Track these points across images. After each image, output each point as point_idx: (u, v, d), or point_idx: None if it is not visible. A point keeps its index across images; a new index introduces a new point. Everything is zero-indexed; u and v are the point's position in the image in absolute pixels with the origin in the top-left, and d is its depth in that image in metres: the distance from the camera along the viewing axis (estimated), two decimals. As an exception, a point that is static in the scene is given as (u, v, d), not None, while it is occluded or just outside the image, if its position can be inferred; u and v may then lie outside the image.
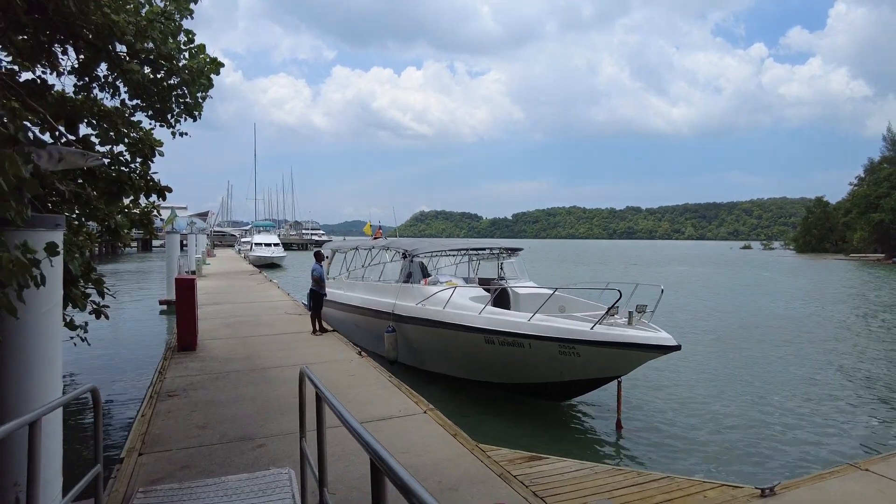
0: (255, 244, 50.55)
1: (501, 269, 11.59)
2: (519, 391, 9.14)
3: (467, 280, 11.16)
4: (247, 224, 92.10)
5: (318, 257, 12.76)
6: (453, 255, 12.06)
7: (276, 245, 51.14)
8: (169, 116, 8.48)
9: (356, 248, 14.57)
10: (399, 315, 10.64)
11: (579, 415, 9.10)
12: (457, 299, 9.36)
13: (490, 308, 8.79)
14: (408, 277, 11.18)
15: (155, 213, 9.11)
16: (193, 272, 30.27)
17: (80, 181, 7.10)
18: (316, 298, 12.38)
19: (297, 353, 10.31)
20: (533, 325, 7.96)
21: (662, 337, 7.17)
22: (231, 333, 12.50)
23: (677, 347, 7.07)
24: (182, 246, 26.99)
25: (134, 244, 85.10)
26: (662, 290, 8.38)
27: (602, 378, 7.98)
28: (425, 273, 11.73)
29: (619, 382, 7.91)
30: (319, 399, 3.13)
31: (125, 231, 8.55)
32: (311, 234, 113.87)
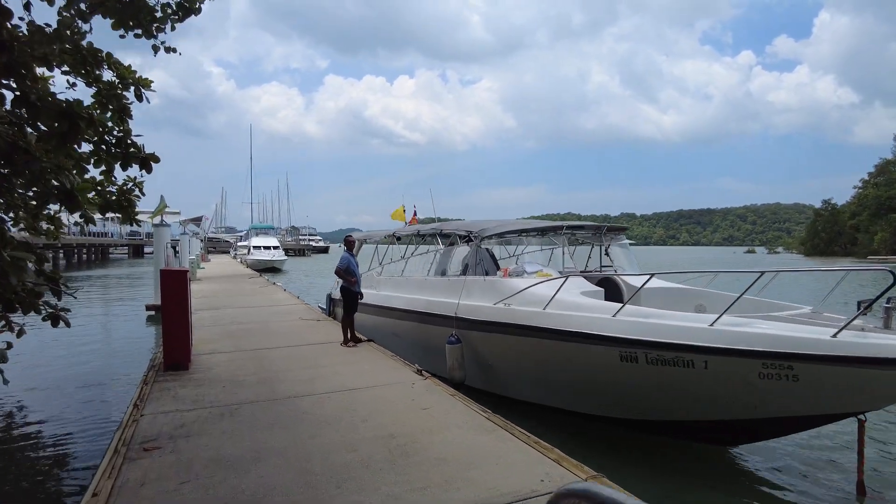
0: (254, 247, 47.42)
1: (606, 254, 8.69)
2: (656, 430, 6.27)
3: (562, 272, 8.22)
4: (241, 231, 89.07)
5: (349, 244, 9.81)
6: (536, 237, 8.96)
7: (275, 248, 48.04)
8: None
9: (392, 237, 11.63)
10: (467, 320, 7.76)
11: (776, 470, 6.14)
12: (567, 296, 6.50)
13: (634, 308, 5.88)
14: (475, 268, 8.30)
15: (137, 192, 6.43)
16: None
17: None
18: (348, 298, 9.47)
19: (332, 374, 7.40)
20: (717, 333, 5.11)
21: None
22: (235, 345, 9.57)
23: None
24: (175, 252, 24.04)
25: (124, 249, 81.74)
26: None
27: (829, 415, 5.13)
28: (496, 263, 8.83)
29: (862, 421, 5.05)
30: None
31: (91, 203, 5.94)
32: (309, 240, 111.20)
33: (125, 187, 6.49)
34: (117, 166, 5.65)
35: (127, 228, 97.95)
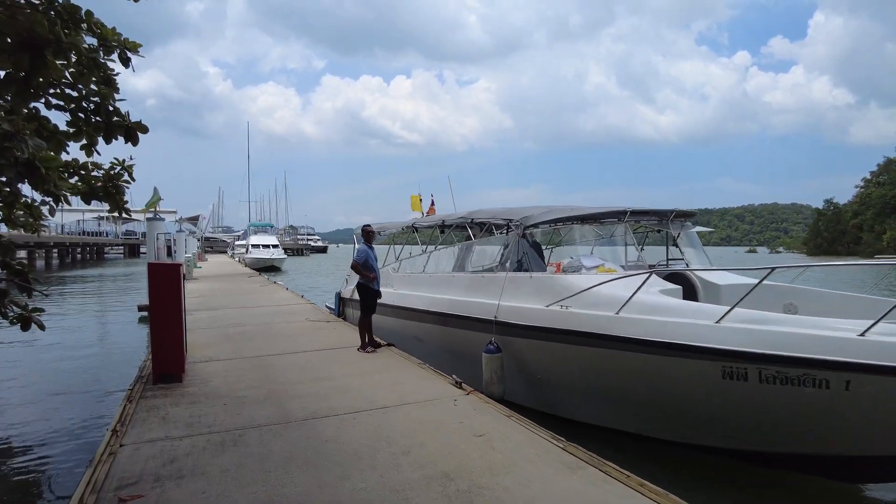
0: (252, 245, 46.07)
1: (675, 244, 7.46)
2: (759, 460, 5.08)
3: (625, 267, 6.95)
4: (239, 231, 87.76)
5: (368, 234, 8.58)
6: (589, 226, 7.59)
7: (275, 246, 46.71)
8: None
9: (411, 229, 10.39)
10: (511, 324, 6.56)
11: None
12: (644, 297, 5.29)
13: (743, 312, 4.66)
14: (518, 263, 7.10)
15: (126, 177, 5.29)
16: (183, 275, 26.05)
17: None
18: (366, 297, 8.27)
19: (353, 386, 6.20)
20: (870, 346, 3.93)
21: None
22: (235, 351, 8.36)
23: None
24: (169, 252, 22.78)
25: (119, 249, 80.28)
26: None
27: None
28: (542, 257, 7.60)
29: None
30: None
31: (63, 180, 4.86)
32: (307, 240, 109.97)
33: (112, 171, 5.39)
34: (104, 151, 4.52)
35: (123, 228, 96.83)
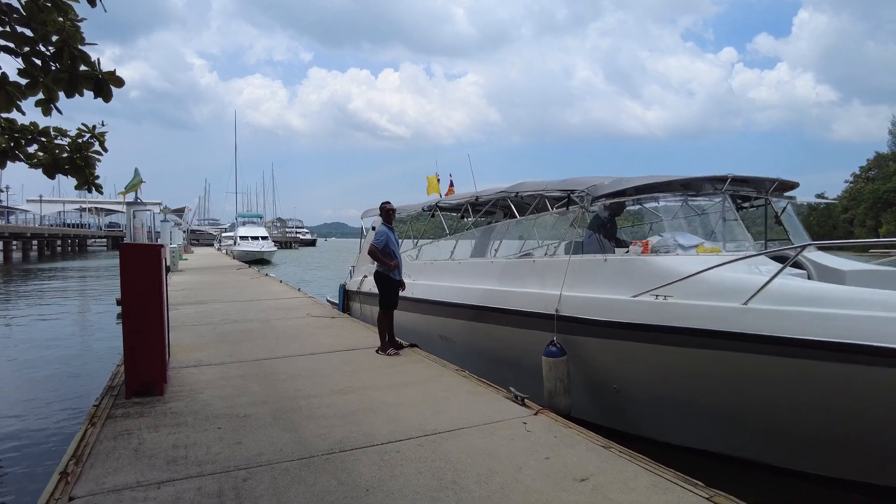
0: (241, 237, 44.32)
1: (777, 221, 6.11)
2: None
3: (725, 247, 5.61)
4: (225, 224, 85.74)
5: (387, 213, 7.17)
6: (676, 198, 6.08)
7: (264, 238, 44.99)
8: None
9: (432, 209, 8.98)
10: (580, 320, 5.22)
11: None
12: (788, 283, 3.99)
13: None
14: (588, 244, 5.76)
15: (98, 147, 4.36)
16: (168, 267, 24.46)
17: None
18: (387, 288, 6.93)
19: (386, 403, 4.84)
20: None
21: None
22: (230, 353, 6.96)
23: None
24: (150, 238, 21.21)
25: (102, 241, 77.80)
26: None
27: None
28: (614, 236, 6.18)
29: None
30: None
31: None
32: (296, 232, 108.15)
33: (80, 139, 4.19)
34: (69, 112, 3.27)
35: (106, 220, 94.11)
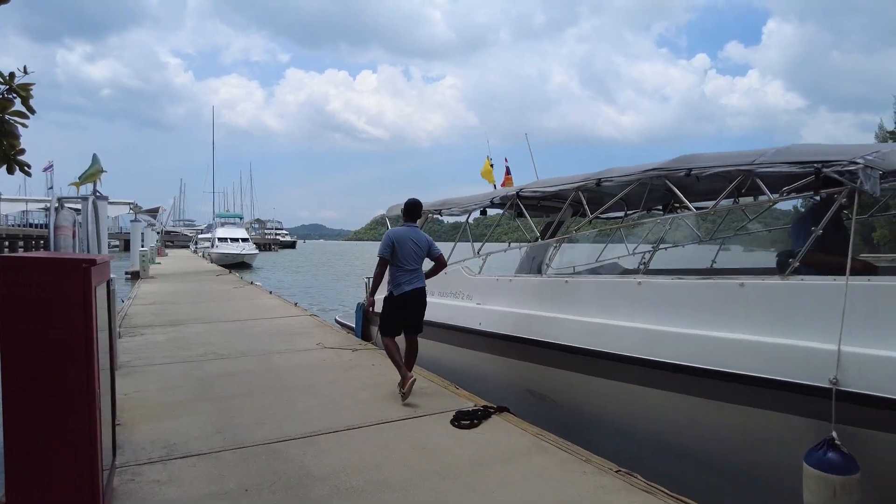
0: (219, 239, 41.20)
1: None
2: None
3: None
4: (201, 225, 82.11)
5: (410, 209, 5.10)
6: None
7: (244, 240, 41.93)
8: None
9: (509, 201, 6.36)
10: (888, 401, 2.82)
11: None
12: None
13: None
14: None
15: (20, 107, 2.40)
16: (137, 273, 21.46)
17: None
18: (386, 306, 4.61)
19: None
20: None
21: None
22: (220, 426, 4.38)
23: None
24: (74, 235, 18.28)
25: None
26: None
27: None
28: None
29: None
30: None
31: None
32: (275, 234, 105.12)
33: None
34: None
35: (79, 218, 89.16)
